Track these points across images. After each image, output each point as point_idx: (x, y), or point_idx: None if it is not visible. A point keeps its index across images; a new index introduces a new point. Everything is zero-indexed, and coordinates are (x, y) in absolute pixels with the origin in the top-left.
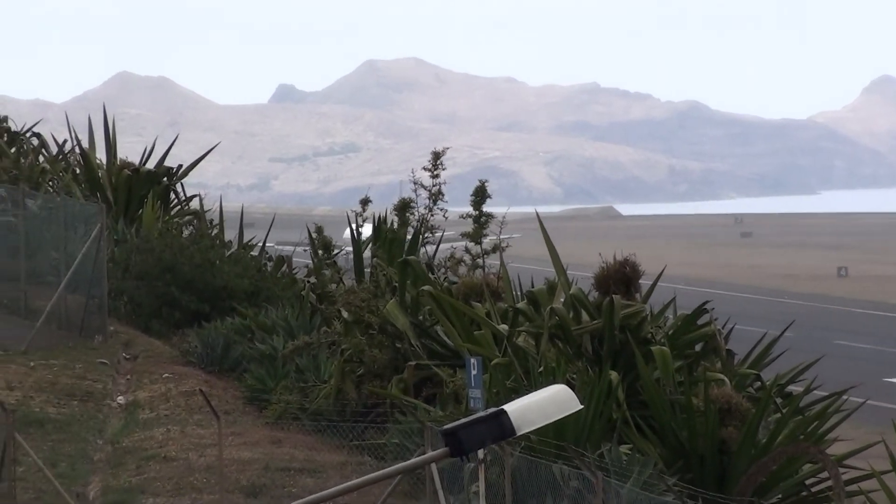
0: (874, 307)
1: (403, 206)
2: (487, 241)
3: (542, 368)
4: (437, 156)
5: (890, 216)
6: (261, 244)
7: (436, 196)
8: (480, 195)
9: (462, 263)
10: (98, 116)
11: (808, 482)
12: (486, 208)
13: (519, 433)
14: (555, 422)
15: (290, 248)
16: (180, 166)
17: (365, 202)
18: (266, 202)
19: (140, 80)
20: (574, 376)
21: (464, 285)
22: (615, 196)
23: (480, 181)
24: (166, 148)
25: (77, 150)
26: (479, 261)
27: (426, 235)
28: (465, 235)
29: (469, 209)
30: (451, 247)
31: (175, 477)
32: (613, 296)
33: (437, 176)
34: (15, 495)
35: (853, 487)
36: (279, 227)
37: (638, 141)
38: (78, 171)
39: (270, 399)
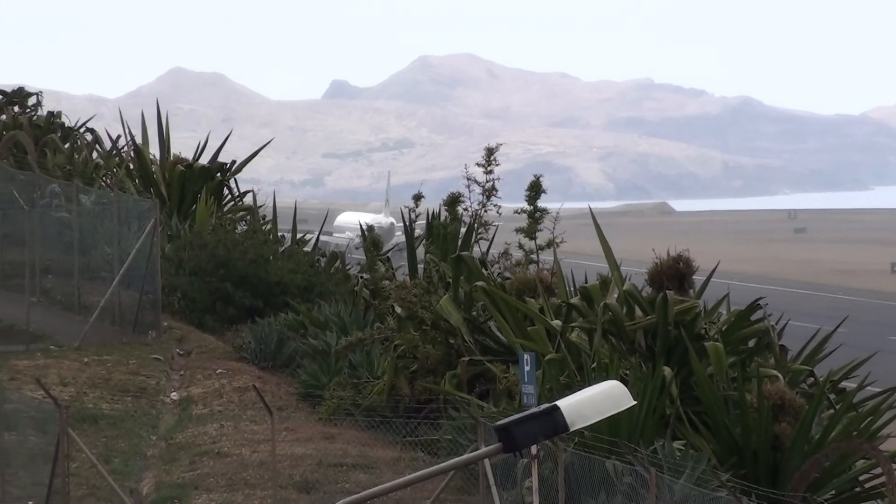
0: None
1: (452, 201)
2: (541, 237)
3: (595, 364)
4: (490, 151)
5: None
6: (314, 240)
7: (489, 192)
8: (535, 190)
9: (519, 265)
10: (152, 112)
11: (861, 478)
12: (542, 203)
13: (572, 429)
14: (608, 418)
15: (346, 239)
16: (234, 162)
17: (418, 198)
18: (319, 198)
19: (194, 75)
20: (627, 372)
21: (517, 281)
22: (669, 192)
23: (535, 176)
24: (220, 143)
25: (131, 145)
26: (533, 256)
27: (479, 231)
28: (519, 231)
29: (522, 204)
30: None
31: (228, 473)
32: (667, 291)
33: (490, 171)
34: (68, 491)
35: None
36: (332, 223)
37: (692, 137)
38: (131, 166)
39: (323, 395)
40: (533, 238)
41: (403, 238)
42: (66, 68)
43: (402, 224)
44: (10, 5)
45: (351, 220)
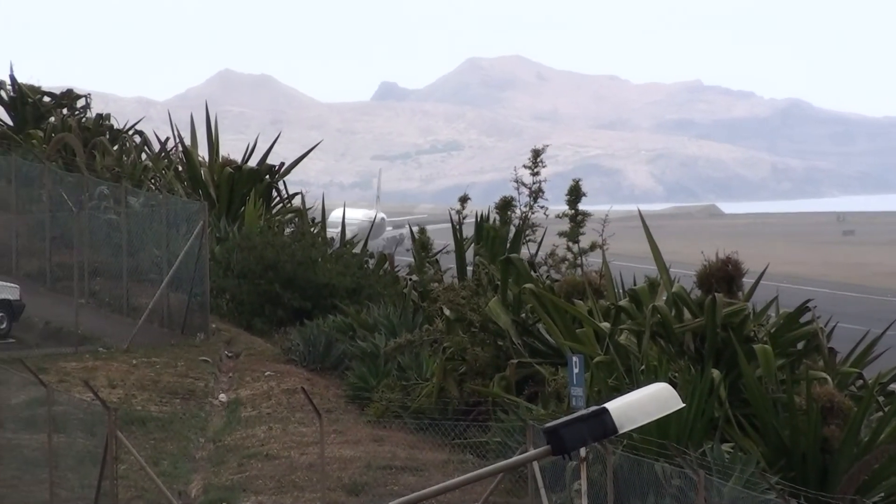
0: None
1: (505, 205)
2: (586, 240)
3: (643, 366)
4: (536, 154)
5: None
6: (362, 242)
7: (536, 194)
8: (575, 194)
9: (565, 261)
10: (200, 114)
11: None
12: (590, 206)
13: (621, 431)
14: (657, 420)
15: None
16: (282, 164)
17: (464, 200)
18: (368, 200)
19: (243, 77)
20: (676, 374)
21: (566, 283)
22: (718, 194)
23: (574, 180)
24: (268, 146)
25: (179, 147)
26: (579, 259)
27: (528, 233)
28: (562, 235)
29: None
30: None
31: (277, 475)
32: (716, 294)
33: (537, 174)
34: (117, 493)
35: None
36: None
37: (740, 139)
38: (180, 168)
39: (372, 397)
40: (576, 241)
41: (393, 231)
42: (115, 71)
43: (387, 218)
44: (60, 8)
45: (345, 216)
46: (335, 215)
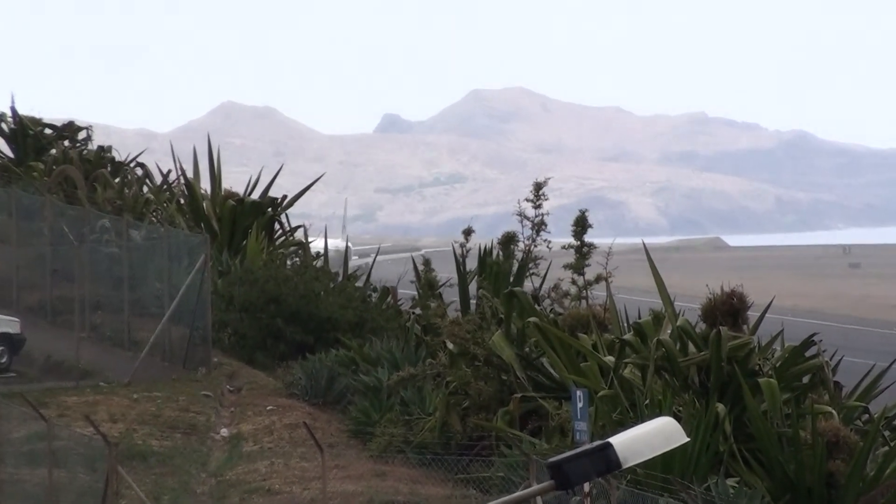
0: None
1: (508, 240)
2: (590, 272)
3: (648, 401)
4: (538, 186)
5: None
6: (365, 275)
7: (539, 227)
8: (581, 225)
9: (568, 295)
10: (202, 146)
11: None
12: (594, 238)
13: (625, 466)
14: (661, 455)
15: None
16: (285, 197)
17: (468, 232)
18: (371, 233)
19: (245, 109)
20: (681, 409)
21: (570, 316)
22: (722, 227)
23: (581, 211)
24: (271, 178)
25: (181, 180)
26: (584, 291)
27: (531, 266)
28: (567, 267)
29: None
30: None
31: None
32: (721, 327)
33: (539, 206)
34: None
35: None
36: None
37: (745, 171)
38: (182, 201)
39: (375, 432)
40: (581, 274)
41: (359, 261)
42: (117, 102)
43: (352, 247)
44: (62, 39)
45: (311, 245)
46: (316, 245)
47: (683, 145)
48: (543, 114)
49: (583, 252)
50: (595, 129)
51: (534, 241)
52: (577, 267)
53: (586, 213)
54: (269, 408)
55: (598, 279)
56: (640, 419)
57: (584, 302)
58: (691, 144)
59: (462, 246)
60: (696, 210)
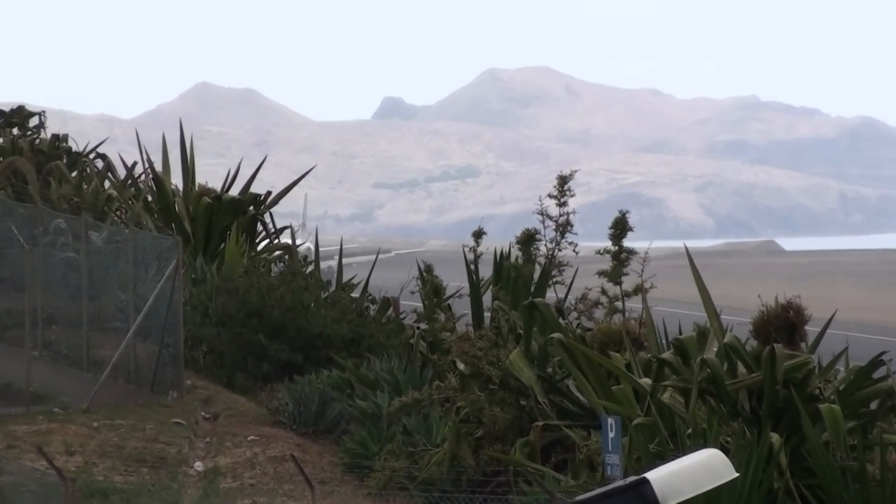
0: None
1: (527, 239)
2: (628, 281)
3: (690, 430)
4: (563, 180)
5: None
6: (363, 284)
7: (563, 227)
8: (621, 228)
9: (598, 306)
10: (173, 134)
11: None
12: (628, 242)
13: None
14: (706, 492)
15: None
16: (269, 193)
17: (479, 234)
18: (369, 235)
19: (223, 92)
20: (728, 439)
21: (600, 332)
22: (777, 228)
23: (620, 212)
24: (253, 171)
25: (149, 173)
26: (618, 304)
27: (555, 273)
28: (601, 274)
29: (606, 243)
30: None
31: None
32: (775, 345)
33: (563, 204)
34: None
35: None
36: (384, 264)
37: (804, 164)
38: (150, 198)
39: (373, 466)
40: (618, 283)
41: (322, 265)
42: (75, 84)
43: (316, 247)
44: (10, 12)
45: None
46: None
47: (731, 134)
48: (569, 97)
49: (621, 259)
50: (629, 115)
51: (558, 243)
52: (614, 275)
53: (627, 215)
54: (250, 438)
55: (637, 290)
56: (681, 451)
57: (619, 315)
58: (741, 133)
59: (472, 250)
60: (747, 209)
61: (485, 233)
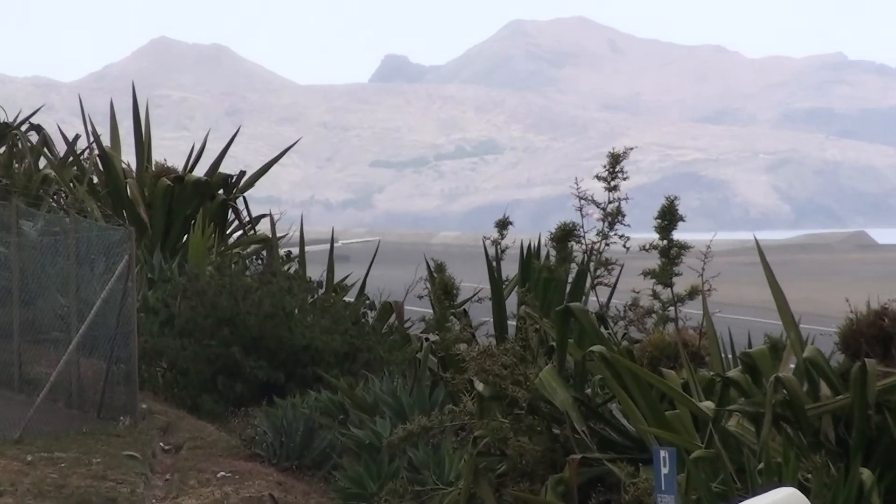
0: None
1: (564, 236)
2: (681, 283)
3: (762, 464)
4: (615, 159)
5: None
6: (359, 284)
7: (613, 217)
8: (669, 218)
9: (652, 314)
10: (124, 101)
11: None
12: (686, 234)
13: None
14: None
15: None
16: (243, 173)
17: (504, 224)
18: (367, 225)
19: (186, 49)
20: (809, 475)
21: (651, 344)
22: (869, 216)
23: (668, 198)
24: (223, 146)
25: (94, 149)
26: (673, 310)
27: (598, 273)
28: (647, 275)
29: (654, 235)
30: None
31: None
32: (866, 360)
33: (615, 188)
34: None
35: None
36: (386, 260)
37: None
38: (95, 179)
39: None
40: (668, 285)
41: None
42: (4, 42)
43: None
44: None
45: None
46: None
47: (813, 100)
48: (612, 55)
49: (670, 255)
50: (686, 78)
51: (605, 237)
52: (662, 276)
53: (676, 201)
54: (220, 474)
55: (692, 292)
56: (750, 490)
57: (670, 324)
58: (824, 99)
59: (496, 243)
60: (832, 193)
61: (511, 222)
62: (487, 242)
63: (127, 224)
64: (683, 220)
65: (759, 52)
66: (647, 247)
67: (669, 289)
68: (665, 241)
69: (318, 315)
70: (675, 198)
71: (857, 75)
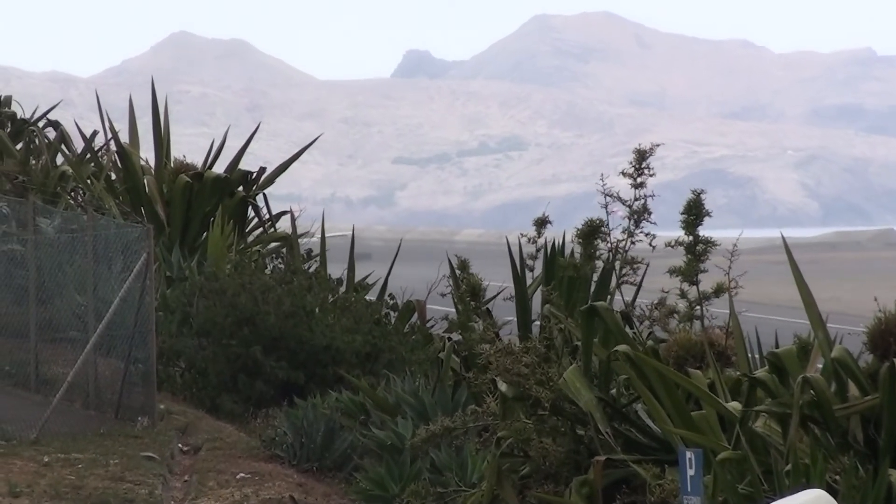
0: None
1: (590, 232)
2: (707, 280)
3: (790, 466)
4: (641, 155)
5: None
6: (381, 283)
7: (639, 214)
8: (695, 213)
9: (676, 314)
10: (143, 96)
11: None
12: (713, 230)
13: None
14: None
15: None
16: (263, 170)
17: (542, 223)
18: (389, 222)
19: (206, 44)
20: (837, 477)
21: (677, 344)
22: None
23: (694, 192)
24: (243, 143)
25: (112, 145)
26: (696, 308)
27: (624, 272)
28: (673, 272)
29: (679, 232)
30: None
31: None
32: (895, 360)
33: (641, 185)
34: None
35: None
36: (409, 258)
37: None
38: (114, 176)
39: None
40: (694, 282)
41: None
42: (20, 35)
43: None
44: None
45: None
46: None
47: (842, 96)
48: (639, 50)
49: (696, 252)
50: (713, 73)
51: (631, 234)
52: (688, 273)
53: (702, 195)
54: (240, 476)
55: (718, 291)
56: (778, 492)
57: (696, 323)
58: (854, 95)
59: (532, 241)
60: (861, 190)
61: (550, 221)
62: (524, 240)
63: (145, 221)
64: (710, 216)
65: (786, 46)
66: (673, 243)
67: (694, 286)
68: (691, 237)
69: (339, 314)
70: (702, 192)
71: (887, 70)
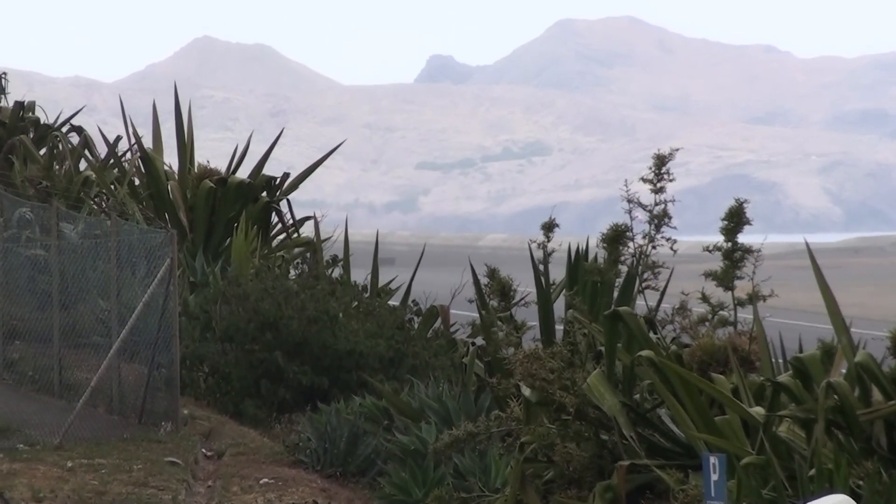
0: None
1: (615, 237)
2: (740, 286)
3: (814, 471)
4: (661, 160)
5: None
6: (404, 289)
7: (660, 219)
8: (736, 220)
9: (707, 322)
10: (167, 102)
11: None
12: (741, 239)
13: None
14: None
15: None
16: (287, 175)
17: (549, 227)
18: (412, 228)
19: (229, 49)
20: (861, 482)
21: (701, 349)
22: None
23: (737, 200)
24: (267, 148)
25: (136, 150)
26: (724, 313)
27: (647, 277)
28: (709, 276)
29: (706, 237)
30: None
31: None
32: None
33: (661, 190)
34: None
35: None
36: (432, 263)
37: None
38: (137, 181)
39: None
40: (729, 288)
41: None
42: (44, 41)
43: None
44: None
45: None
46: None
47: (866, 101)
48: (662, 55)
49: (734, 258)
50: (736, 78)
51: (652, 239)
52: (724, 279)
53: (744, 204)
54: (263, 481)
55: (752, 297)
56: (801, 497)
57: (727, 327)
58: (878, 100)
59: (542, 246)
60: (884, 195)
61: (557, 225)
62: (533, 246)
63: (169, 227)
64: (750, 224)
65: (810, 51)
66: (711, 248)
67: (729, 291)
68: (730, 243)
69: (363, 319)
70: (745, 201)
71: None
